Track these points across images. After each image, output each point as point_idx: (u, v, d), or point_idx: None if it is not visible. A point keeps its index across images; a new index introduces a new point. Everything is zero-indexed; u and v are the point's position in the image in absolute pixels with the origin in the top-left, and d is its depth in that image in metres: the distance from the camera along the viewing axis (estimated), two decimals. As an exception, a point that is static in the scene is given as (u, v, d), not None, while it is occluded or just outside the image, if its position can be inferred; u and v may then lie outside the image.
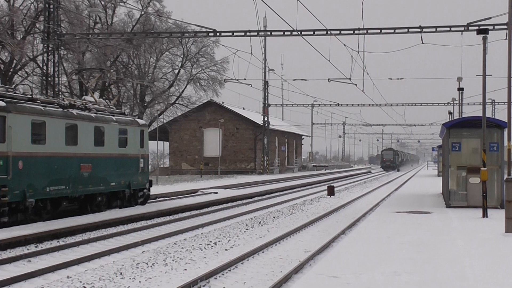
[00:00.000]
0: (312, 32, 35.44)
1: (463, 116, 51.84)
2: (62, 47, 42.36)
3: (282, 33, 36.31)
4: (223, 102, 77.70)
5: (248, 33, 36.36)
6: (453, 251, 15.24)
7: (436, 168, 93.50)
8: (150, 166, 30.69)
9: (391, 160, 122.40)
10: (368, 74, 45.24)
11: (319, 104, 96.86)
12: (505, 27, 27.31)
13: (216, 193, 37.63)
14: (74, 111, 23.42)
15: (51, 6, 37.11)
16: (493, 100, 79.37)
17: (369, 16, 39.05)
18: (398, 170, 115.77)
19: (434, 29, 34.57)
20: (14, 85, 38.17)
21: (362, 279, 11.70)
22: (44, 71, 38.24)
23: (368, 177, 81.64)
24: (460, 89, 53.57)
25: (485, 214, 23.08)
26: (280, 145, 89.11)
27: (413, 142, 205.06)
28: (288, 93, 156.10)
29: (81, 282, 12.75)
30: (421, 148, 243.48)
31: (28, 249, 16.78)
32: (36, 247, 17.28)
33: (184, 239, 19.04)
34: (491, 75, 47.39)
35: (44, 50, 38.65)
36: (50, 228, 19.13)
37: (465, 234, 18.52)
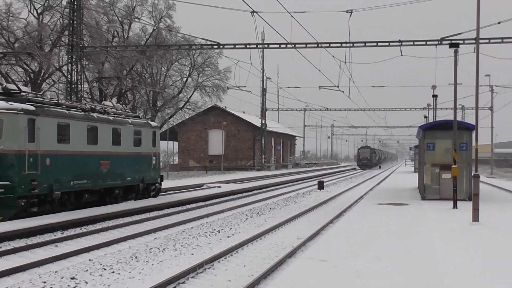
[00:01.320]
0: (304, 45, 35.49)
1: (437, 119, 51.92)
2: (84, 58, 42.42)
3: (278, 46, 36.35)
4: (225, 107, 77.78)
5: (248, 46, 36.40)
6: (427, 238, 15.34)
7: (413, 165, 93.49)
8: (161, 163, 30.77)
9: (368, 159, 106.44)
10: (353, 82, 45.42)
11: (310, 109, 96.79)
12: (474, 41, 27.37)
13: (220, 187, 37.69)
14: (95, 115, 23.49)
15: (75, 22, 37.12)
16: (463, 105, 79.19)
17: (354, 31, 39.10)
18: (380, 167, 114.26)
19: (412, 43, 34.64)
20: (42, 92, 38.35)
21: (348, 262, 11.79)
22: (69, 79, 38.26)
23: (353, 173, 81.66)
24: (434, 96, 53.69)
25: (455, 206, 23.18)
26: (276, 145, 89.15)
27: (393, 142, 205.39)
28: (283, 99, 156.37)
29: (101, 264, 12.84)
30: (400, 148, 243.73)
31: (55, 236, 16.89)
32: (62, 233, 17.37)
33: (191, 227, 19.11)
34: (462, 83, 47.62)
35: (69, 60, 38.68)
36: (74, 217, 19.23)
37: (438, 223, 18.62)
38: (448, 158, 27.00)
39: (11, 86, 20.80)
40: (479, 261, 12.25)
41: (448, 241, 14.92)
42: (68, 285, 10.97)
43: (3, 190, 18.12)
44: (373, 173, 77.12)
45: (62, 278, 11.55)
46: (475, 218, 18.93)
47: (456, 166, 23.78)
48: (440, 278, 10.58)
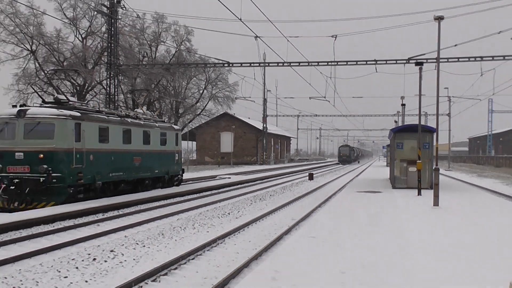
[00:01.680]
0: (297, 64, 35.51)
1: (405, 124, 51.93)
2: (120, 74, 42.47)
3: (276, 64, 36.37)
4: (234, 114, 77.83)
5: (252, 64, 36.45)
6: (396, 219, 15.38)
7: (385, 160, 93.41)
8: (182, 159, 30.81)
9: (347, 155, 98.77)
10: (337, 93, 45.54)
11: (302, 115, 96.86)
12: (435, 61, 27.35)
13: (229, 178, 37.75)
14: (129, 120, 23.57)
15: (112, 45, 37.20)
16: (426, 112, 78.61)
17: (338, 52, 39.26)
18: (359, 162, 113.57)
19: (384, 62, 34.62)
20: (86, 101, 38.42)
21: (333, 238, 11.86)
22: (107, 91, 38.34)
23: (337, 167, 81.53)
24: (403, 105, 53.72)
25: (419, 193, 23.22)
26: (274, 144, 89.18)
27: (369, 142, 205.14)
28: (280, 107, 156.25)
29: (134, 240, 12.93)
30: (375, 146, 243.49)
31: (97, 217, 16.98)
32: (102, 215, 17.47)
33: (207, 210, 19.20)
34: (425, 94, 47.30)
35: (107, 76, 38.75)
36: (112, 202, 19.33)
37: (405, 207, 18.66)
38: (413, 155, 27.04)
39: (61, 97, 20.93)
40: (436, 233, 12.30)
41: (413, 221, 14.95)
42: (108, 256, 11.06)
43: (55, 180, 18.22)
44: (353, 167, 77.06)
45: (103, 250, 11.64)
46: (436, 203, 18.99)
47: (420, 161, 23.84)
48: (405, 246, 10.62)
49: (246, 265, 10.21)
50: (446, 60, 32.40)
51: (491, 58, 31.93)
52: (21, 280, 9.25)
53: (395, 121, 70.56)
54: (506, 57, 31.56)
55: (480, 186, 31.94)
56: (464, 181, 37.06)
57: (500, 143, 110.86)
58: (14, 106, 19.55)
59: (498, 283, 7.92)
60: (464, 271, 8.81)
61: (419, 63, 24.82)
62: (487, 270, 8.92)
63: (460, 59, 32.67)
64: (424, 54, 31.73)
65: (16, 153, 18.36)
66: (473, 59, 32.35)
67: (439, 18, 20.72)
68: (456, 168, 66.95)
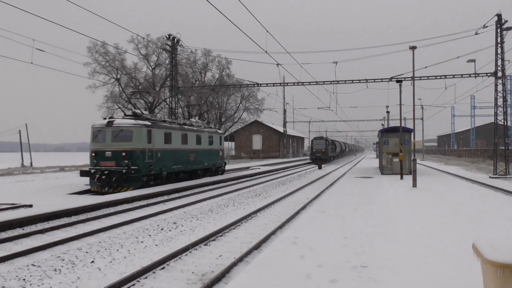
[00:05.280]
0: (309, 83, 35.12)
1: (389, 126, 50.93)
2: (179, 94, 42.74)
3: (293, 84, 36.11)
4: (262, 121, 77.46)
5: (275, 84, 36.23)
6: (385, 197, 15.06)
7: (375, 154, 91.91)
8: (224, 155, 30.86)
9: (323, 151, 52.07)
10: (339, 104, 44.80)
11: (313, 121, 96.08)
12: (411, 79, 26.67)
13: (259, 168, 37.67)
14: (185, 127, 23.68)
15: (173, 73, 37.47)
16: (405, 117, 77.58)
17: (339, 73, 38.87)
18: (355, 155, 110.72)
19: (373, 80, 33.94)
20: (154, 114, 38.76)
21: (337, 212, 11.65)
22: (170, 106, 38.64)
23: (340, 159, 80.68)
24: (388, 112, 52.67)
25: (402, 178, 22.72)
26: (292, 143, 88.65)
27: (363, 140, 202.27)
28: (296, 115, 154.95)
29: (190, 214, 12.94)
30: (367, 143, 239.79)
31: (163, 198, 17.10)
32: (167, 197, 17.57)
33: (243, 192, 19.15)
34: (404, 104, 46.44)
35: (170, 95, 39.04)
36: (175, 187, 19.44)
37: (391, 188, 18.28)
38: (396, 149, 26.54)
39: (137, 111, 21.18)
40: (415, 207, 11.97)
41: (397, 198, 14.61)
42: (172, 227, 11.09)
43: (133, 171, 18.43)
44: (350, 159, 76.04)
45: (168, 222, 11.68)
46: (414, 184, 18.57)
47: (401, 154, 23.34)
48: (392, 217, 10.35)
49: (273, 233, 10.11)
50: (419, 78, 31.61)
51: (452, 76, 31.01)
52: (110, 244, 9.34)
53: (382, 124, 69.25)
54: (463, 75, 30.64)
55: (447, 171, 31.08)
56: (434, 168, 36.16)
57: (460, 139, 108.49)
58: (105, 118, 19.87)
59: (459, 238, 7.63)
60: (436, 233, 8.52)
61: (399, 81, 24.33)
62: (453, 231, 8.61)
63: (429, 77, 31.83)
64: (402, 74, 30.93)
65: (106, 152, 18.64)
66: (439, 77, 31.48)
67: (413, 47, 20.24)
68: (428, 159, 65.46)
